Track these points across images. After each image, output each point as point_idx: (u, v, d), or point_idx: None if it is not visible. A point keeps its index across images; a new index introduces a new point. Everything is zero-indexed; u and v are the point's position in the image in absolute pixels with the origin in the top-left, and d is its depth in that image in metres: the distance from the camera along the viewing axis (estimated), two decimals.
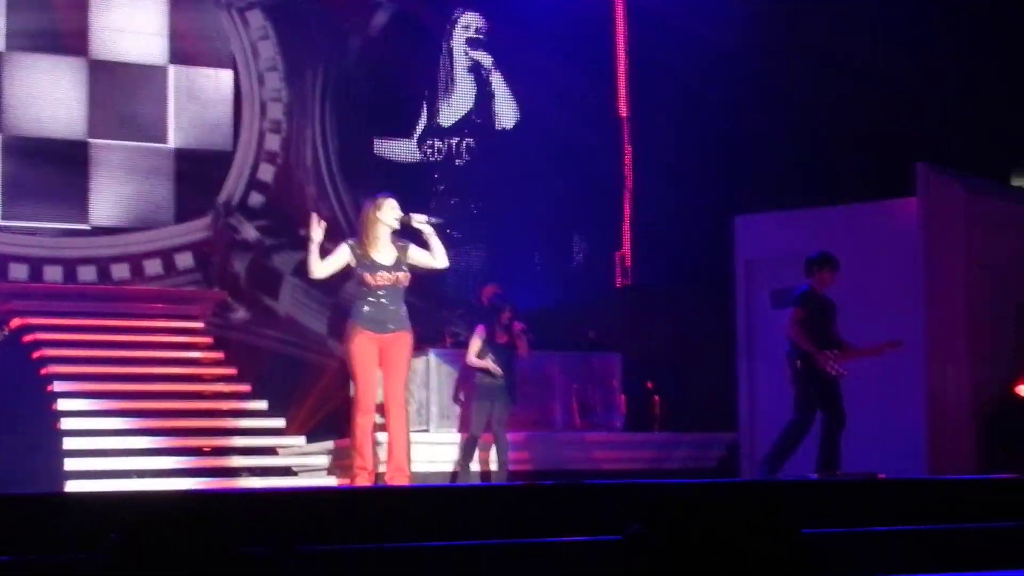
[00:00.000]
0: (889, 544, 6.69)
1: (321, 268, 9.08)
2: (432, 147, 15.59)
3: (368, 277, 8.90)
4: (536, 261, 15.99)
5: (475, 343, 11.82)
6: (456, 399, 12.69)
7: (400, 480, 8.84)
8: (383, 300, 8.91)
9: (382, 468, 9.20)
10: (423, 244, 8.97)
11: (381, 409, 9.28)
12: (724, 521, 3.53)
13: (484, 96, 15.70)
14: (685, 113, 15.00)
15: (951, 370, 12.00)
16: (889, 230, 12.57)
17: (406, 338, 9.01)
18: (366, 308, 8.94)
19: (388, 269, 8.89)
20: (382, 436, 11.13)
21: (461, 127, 15.47)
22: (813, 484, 8.32)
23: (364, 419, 8.95)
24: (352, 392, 9.19)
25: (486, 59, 15.27)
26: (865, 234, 12.57)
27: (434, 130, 15.61)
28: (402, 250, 8.94)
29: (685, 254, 14.78)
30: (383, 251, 8.93)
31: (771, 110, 14.32)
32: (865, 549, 6.60)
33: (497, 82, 15.64)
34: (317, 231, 8.99)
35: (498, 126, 15.90)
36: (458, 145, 15.44)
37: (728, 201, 14.01)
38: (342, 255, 9.04)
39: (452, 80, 15.51)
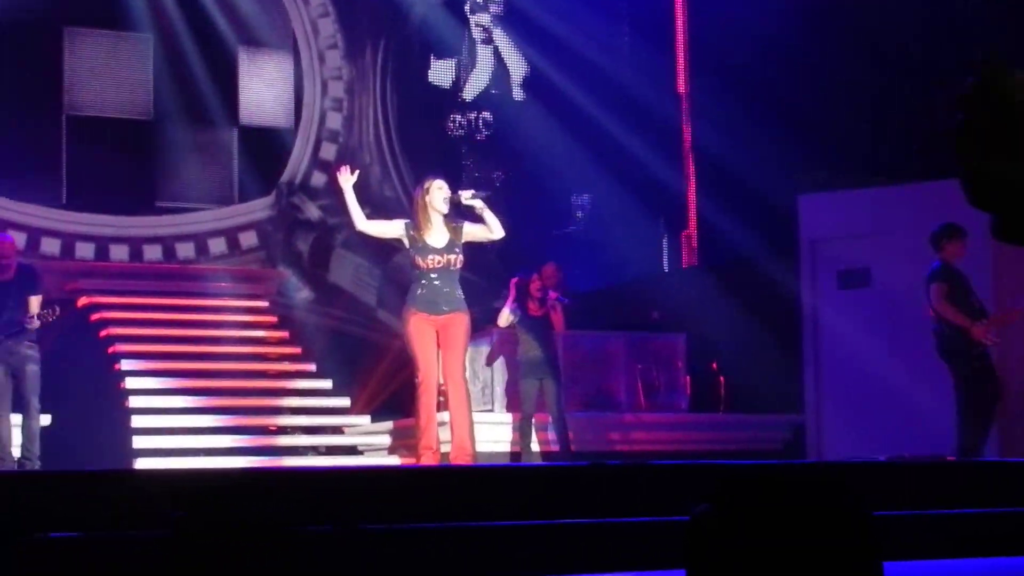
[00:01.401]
0: (957, 528, 6.63)
1: (366, 223, 9.08)
2: (470, 121, 15.51)
3: (419, 260, 8.91)
4: (600, 240, 15.93)
5: (503, 314, 11.73)
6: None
7: (463, 460, 8.83)
8: (436, 282, 8.91)
9: (446, 448, 9.20)
10: (478, 219, 8.96)
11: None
12: (791, 502, 3.50)
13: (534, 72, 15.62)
14: (746, 91, 14.89)
15: (1017, 350, 11.86)
16: (954, 209, 12.40)
17: (462, 318, 9.01)
18: (420, 291, 8.96)
19: (440, 252, 8.89)
20: (446, 416, 11.16)
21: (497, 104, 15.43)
22: (881, 466, 8.24)
23: (427, 398, 8.96)
24: (415, 373, 9.20)
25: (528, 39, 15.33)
26: (929, 213, 12.41)
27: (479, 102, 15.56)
28: (456, 231, 8.93)
29: (750, 234, 14.68)
30: (436, 234, 8.93)
31: (835, 88, 14.20)
32: (933, 532, 6.54)
33: (542, 60, 15.60)
34: (347, 180, 9.00)
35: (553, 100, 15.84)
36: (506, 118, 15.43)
37: (792, 180, 13.89)
38: (394, 227, 9.08)
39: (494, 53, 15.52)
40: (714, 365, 13.89)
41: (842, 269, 13.13)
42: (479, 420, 11.58)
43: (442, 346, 9.03)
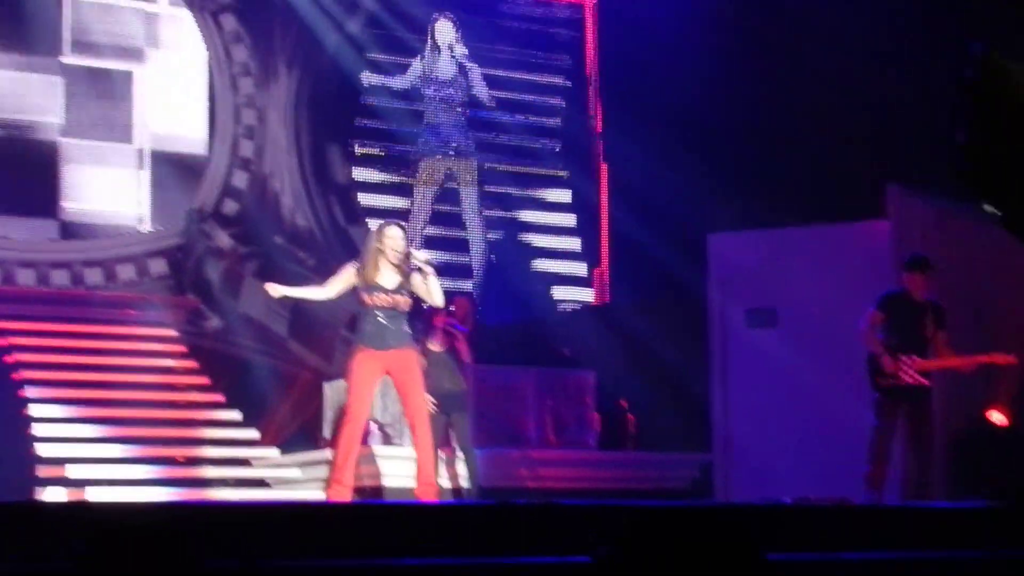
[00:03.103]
0: (858, 572, 6.69)
1: (327, 291, 9.20)
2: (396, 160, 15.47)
3: (365, 296, 8.98)
4: (509, 278, 15.97)
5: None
6: None
7: (429, 495, 8.87)
8: (380, 319, 8.97)
9: (401, 482, 9.23)
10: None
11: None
12: (690, 544, 3.54)
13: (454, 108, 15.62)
14: (656, 131, 15.02)
15: (963, 399, 11.99)
16: (861, 251, 12.58)
17: (410, 354, 9.07)
18: (366, 327, 9.01)
19: (387, 292, 8.95)
20: (385, 451, 11.16)
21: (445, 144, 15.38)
22: (785, 508, 8.31)
23: (349, 431, 8.95)
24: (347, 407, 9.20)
25: (468, 64, 15.25)
26: (837, 255, 12.59)
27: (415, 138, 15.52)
28: (407, 276, 8.99)
29: (661, 272, 14.79)
30: (385, 276, 8.98)
31: (745, 129, 14.37)
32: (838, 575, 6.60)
33: (480, 89, 15.60)
34: (275, 290, 9.14)
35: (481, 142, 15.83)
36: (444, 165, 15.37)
37: (703, 219, 14.02)
38: (347, 276, 9.12)
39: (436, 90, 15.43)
40: (623, 402, 13.95)
41: (750, 308, 13.24)
42: (390, 455, 11.58)
43: (398, 387, 9.14)
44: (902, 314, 10.14)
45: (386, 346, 8.96)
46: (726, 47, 14.51)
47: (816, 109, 13.80)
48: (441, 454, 11.83)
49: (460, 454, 11.77)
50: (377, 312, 8.95)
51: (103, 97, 14.76)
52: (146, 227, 14.83)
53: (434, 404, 11.59)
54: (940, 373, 10.72)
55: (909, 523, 7.44)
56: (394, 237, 9.02)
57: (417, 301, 11.67)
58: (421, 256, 9.09)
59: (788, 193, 13.92)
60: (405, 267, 8.97)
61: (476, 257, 14.50)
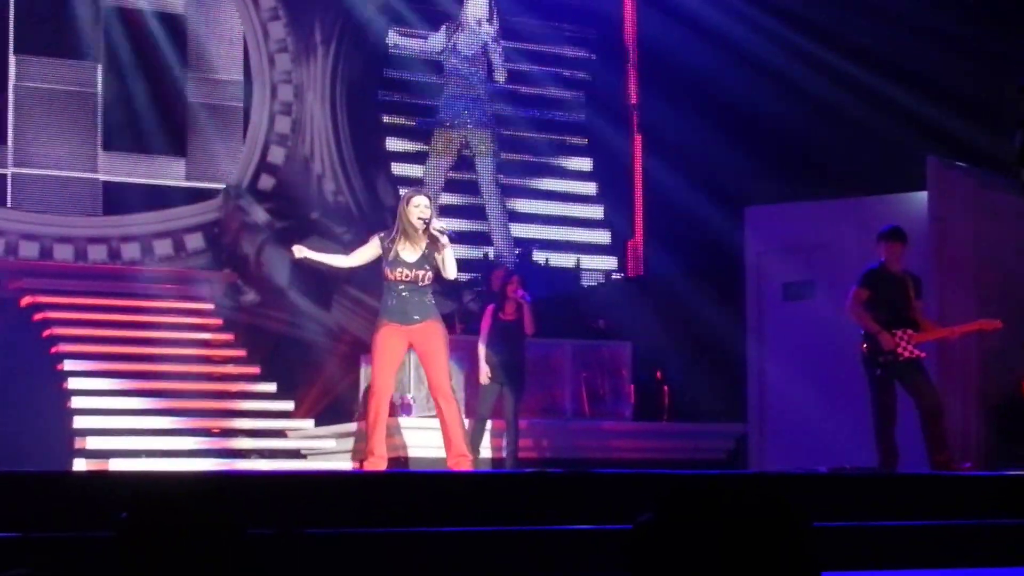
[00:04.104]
0: (896, 540, 6.68)
1: (349, 259, 9.23)
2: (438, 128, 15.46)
3: (388, 271, 8.98)
4: (545, 249, 15.97)
5: (485, 324, 11.76)
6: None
7: (464, 465, 8.87)
8: (404, 294, 8.97)
9: (416, 452, 9.24)
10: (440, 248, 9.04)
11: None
12: (735, 513, 3.52)
13: (485, 80, 15.58)
14: (696, 102, 14.97)
15: (959, 366, 11.97)
16: (900, 223, 12.53)
17: (434, 327, 9.05)
18: (390, 302, 9.02)
19: (409, 266, 8.94)
20: (406, 422, 11.18)
21: (462, 115, 15.35)
22: (821, 477, 8.30)
23: (375, 404, 8.99)
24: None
25: (492, 43, 15.15)
26: (875, 227, 12.54)
27: (436, 111, 15.50)
28: (432, 246, 8.97)
29: (697, 244, 14.77)
30: (410, 247, 8.97)
31: (783, 101, 14.30)
32: (871, 544, 6.59)
33: (499, 67, 15.53)
34: (299, 251, 9.17)
35: (498, 114, 15.81)
36: (460, 135, 15.34)
37: (740, 191, 13.98)
38: (371, 247, 9.14)
39: (457, 63, 15.39)
40: (659, 374, 13.95)
41: (787, 281, 13.21)
42: (424, 425, 11.60)
43: (422, 359, 9.15)
44: (886, 288, 10.06)
45: (409, 320, 8.96)
46: (766, 19, 14.44)
47: (856, 81, 13.73)
48: (489, 424, 11.87)
49: (507, 426, 11.78)
50: (400, 286, 8.95)
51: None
52: (183, 202, 14.85)
53: (488, 376, 11.63)
54: (977, 346, 10.68)
55: (945, 492, 7.42)
56: (419, 205, 9.01)
57: (488, 277, 11.72)
58: (437, 226, 9.04)
59: (827, 165, 13.87)
60: (427, 236, 8.95)
61: (495, 228, 14.52)
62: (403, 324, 8.96)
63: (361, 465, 9.03)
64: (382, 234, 9.16)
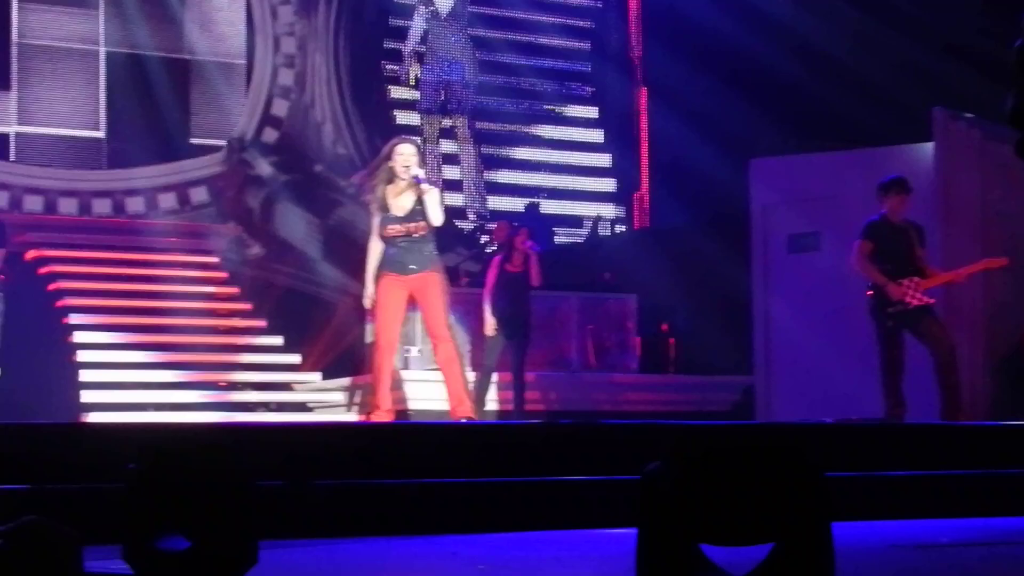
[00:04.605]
0: (903, 489, 6.70)
1: (376, 243, 9.04)
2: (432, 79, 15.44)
3: (380, 229, 8.92)
4: (548, 201, 15.97)
5: (490, 276, 11.73)
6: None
7: (463, 411, 8.85)
8: (402, 244, 8.92)
9: (416, 405, 9.23)
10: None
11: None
12: (744, 462, 3.52)
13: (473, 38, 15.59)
14: (701, 55, 14.92)
15: (966, 317, 11.96)
16: (906, 174, 12.50)
17: (433, 277, 8.99)
18: (389, 251, 8.97)
19: (400, 220, 8.88)
20: (412, 375, 11.17)
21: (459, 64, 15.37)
22: (828, 428, 8.31)
23: (379, 358, 8.99)
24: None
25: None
26: (881, 178, 12.50)
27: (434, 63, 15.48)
28: (421, 195, 8.89)
29: (702, 197, 14.74)
30: (398, 199, 8.90)
31: (788, 53, 14.24)
32: (879, 494, 6.60)
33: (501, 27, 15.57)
34: (368, 300, 8.99)
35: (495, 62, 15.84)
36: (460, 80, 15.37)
37: (745, 144, 13.94)
38: (374, 214, 9.03)
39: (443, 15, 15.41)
40: (664, 327, 13.95)
41: (793, 233, 13.18)
42: (427, 379, 11.60)
43: (420, 308, 9.10)
44: (889, 239, 10.03)
45: (408, 271, 8.92)
46: None
47: (862, 33, 13.67)
48: (495, 377, 11.86)
49: (513, 378, 11.78)
50: (396, 239, 8.91)
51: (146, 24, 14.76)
52: (187, 156, 14.84)
53: (493, 328, 11.60)
54: (983, 297, 10.65)
55: (952, 441, 7.43)
56: (404, 154, 8.93)
57: (502, 227, 11.65)
58: (414, 172, 8.92)
59: (833, 117, 13.82)
60: (413, 186, 8.87)
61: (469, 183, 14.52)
62: (400, 275, 8.92)
63: (368, 418, 9.03)
64: (369, 195, 9.06)
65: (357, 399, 12.24)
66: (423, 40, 15.45)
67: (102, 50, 14.58)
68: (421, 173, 8.89)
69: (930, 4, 13.16)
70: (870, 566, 5.01)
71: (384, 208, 8.90)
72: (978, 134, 12.43)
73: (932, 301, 10.01)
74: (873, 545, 5.62)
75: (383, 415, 8.93)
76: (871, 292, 10.00)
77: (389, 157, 8.94)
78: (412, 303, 9.17)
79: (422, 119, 15.39)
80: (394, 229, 8.87)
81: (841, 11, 13.87)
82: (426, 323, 9.14)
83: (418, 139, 9.28)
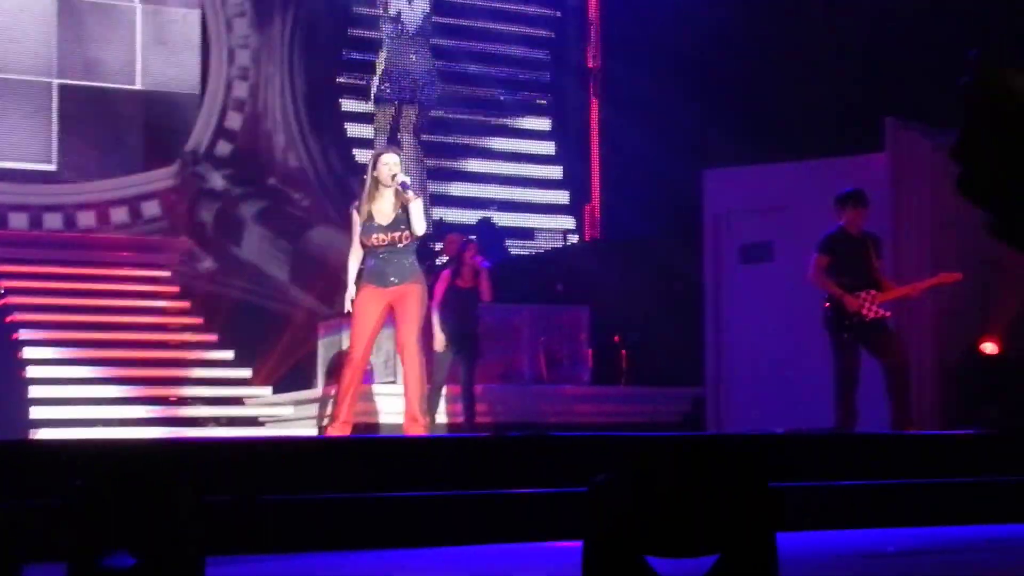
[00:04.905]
0: (853, 499, 6.73)
1: (358, 251, 9.01)
2: (387, 92, 15.45)
3: (364, 238, 8.89)
4: (501, 213, 15.99)
5: (439, 289, 11.70)
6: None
7: (415, 430, 8.81)
8: (383, 256, 8.89)
9: (373, 419, 9.18)
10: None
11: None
12: (690, 472, 3.54)
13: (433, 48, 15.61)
14: (654, 66, 14.97)
15: (916, 326, 12.03)
16: (858, 185, 12.58)
17: (412, 289, 8.94)
18: (370, 263, 8.94)
19: (384, 230, 8.86)
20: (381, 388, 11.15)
21: (413, 78, 15.38)
22: (777, 437, 8.34)
23: (348, 371, 8.94)
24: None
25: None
26: (834, 189, 12.56)
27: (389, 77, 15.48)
28: (404, 207, 8.89)
29: (654, 208, 14.78)
30: (383, 209, 8.89)
31: (741, 64, 14.30)
32: (829, 503, 6.63)
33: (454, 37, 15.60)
34: (348, 304, 8.97)
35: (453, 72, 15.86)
36: (412, 95, 15.39)
37: (697, 155, 13.99)
38: (355, 220, 9.00)
39: (403, 28, 15.43)
40: (616, 338, 13.97)
41: (745, 244, 13.22)
42: (384, 392, 11.59)
43: (395, 319, 9.03)
44: (847, 252, 10.09)
45: (386, 282, 8.91)
46: None
47: (813, 43, 13.75)
48: (444, 390, 11.84)
49: (462, 391, 11.77)
50: (379, 250, 8.90)
51: (99, 36, 14.70)
52: (139, 170, 14.78)
53: (442, 344, 11.57)
54: (934, 306, 10.69)
55: (902, 451, 7.47)
56: (389, 163, 8.94)
57: (453, 240, 11.62)
58: (406, 180, 8.93)
59: (785, 128, 13.88)
60: (397, 195, 8.87)
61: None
62: (380, 286, 8.90)
63: (326, 430, 8.99)
64: (356, 203, 9.08)
65: (309, 412, 12.21)
66: (382, 53, 15.44)
67: (55, 82, 14.52)
68: (408, 180, 8.92)
69: (881, 14, 13.24)
70: None
71: (367, 216, 8.88)
72: (929, 144, 12.51)
73: (888, 314, 10.07)
74: (819, 554, 5.65)
75: (342, 427, 8.90)
76: (828, 304, 10.05)
77: (374, 167, 8.94)
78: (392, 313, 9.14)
79: (376, 131, 15.38)
80: (379, 239, 8.85)
81: (794, 22, 13.94)
82: (398, 335, 9.07)
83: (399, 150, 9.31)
